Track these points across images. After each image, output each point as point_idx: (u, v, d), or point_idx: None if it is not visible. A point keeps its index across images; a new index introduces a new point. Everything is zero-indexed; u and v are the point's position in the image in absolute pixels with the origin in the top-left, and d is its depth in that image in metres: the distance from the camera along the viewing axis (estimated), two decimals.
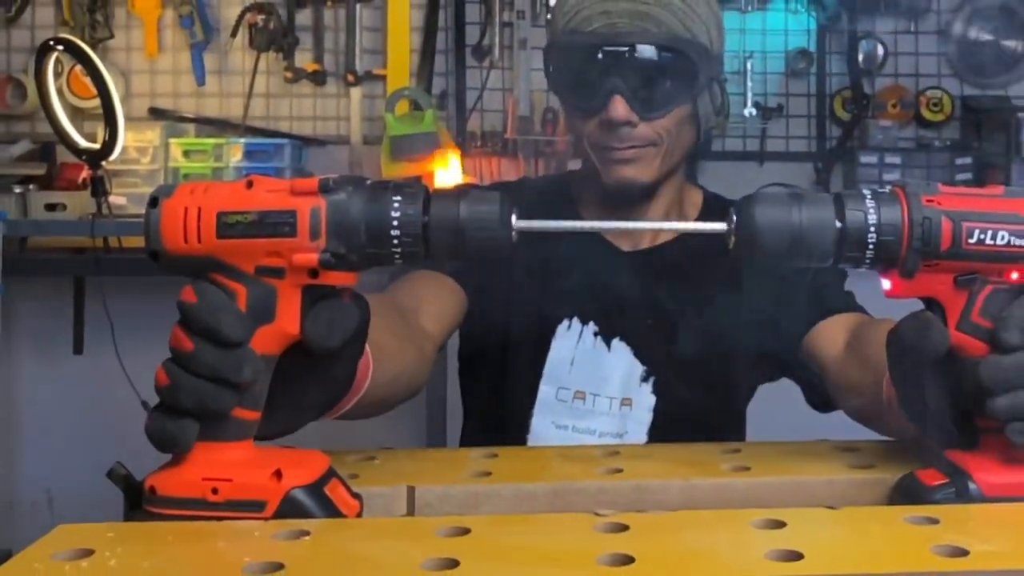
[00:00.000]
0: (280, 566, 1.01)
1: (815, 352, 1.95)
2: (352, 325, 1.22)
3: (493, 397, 2.12)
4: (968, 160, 4.66)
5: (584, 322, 2.06)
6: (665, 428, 2.02)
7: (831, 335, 1.92)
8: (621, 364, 2.05)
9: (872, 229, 1.20)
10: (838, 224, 1.21)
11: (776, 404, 2.23)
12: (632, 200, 2.03)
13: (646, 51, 1.90)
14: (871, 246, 1.21)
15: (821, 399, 2.04)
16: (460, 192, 1.19)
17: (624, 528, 1.11)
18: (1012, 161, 4.46)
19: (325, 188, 1.16)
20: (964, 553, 1.03)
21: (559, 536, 1.10)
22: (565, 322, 2.06)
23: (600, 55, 1.91)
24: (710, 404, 2.08)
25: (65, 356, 4.58)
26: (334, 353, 1.22)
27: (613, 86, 1.89)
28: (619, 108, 1.90)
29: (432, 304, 1.94)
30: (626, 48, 1.90)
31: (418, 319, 1.87)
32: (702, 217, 2.15)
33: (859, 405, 1.73)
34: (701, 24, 1.95)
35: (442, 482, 1.37)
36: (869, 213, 1.20)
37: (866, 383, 1.64)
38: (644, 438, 2.01)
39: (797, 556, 1.02)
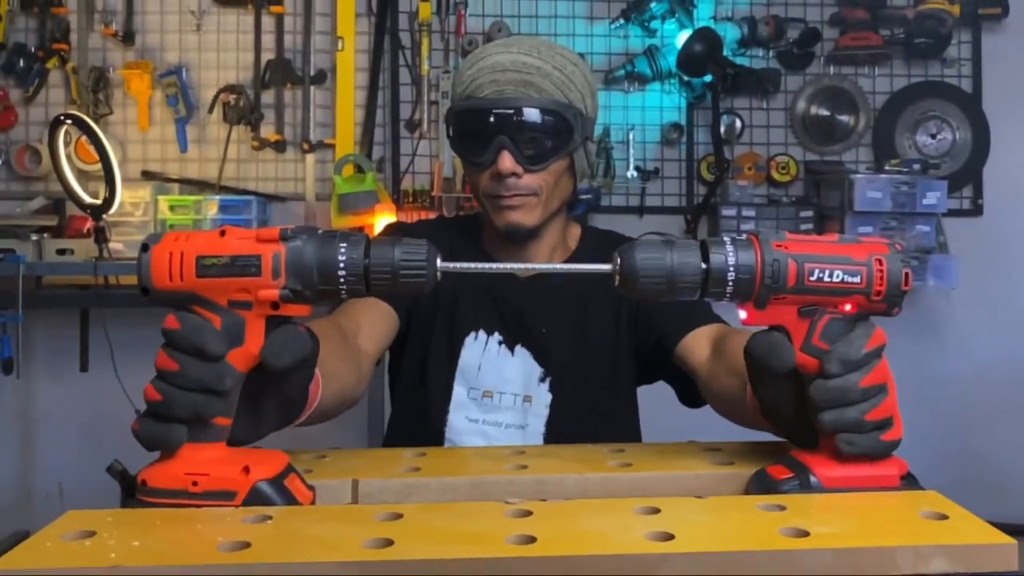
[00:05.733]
0: (247, 544, 1.01)
1: (685, 359, 1.95)
2: (304, 349, 1.21)
3: (416, 398, 2.10)
4: (810, 213, 4.73)
5: (489, 333, 2.06)
6: (560, 421, 2.03)
7: (697, 344, 1.93)
8: (522, 367, 2.05)
9: (731, 269, 1.21)
10: (703, 265, 1.21)
11: (657, 405, 2.24)
12: (521, 240, 2.04)
13: (529, 113, 1.91)
14: (730, 283, 1.22)
15: (691, 398, 2.06)
16: (395, 240, 1.20)
17: (529, 514, 1.11)
18: (845, 214, 4.54)
19: (284, 236, 1.17)
20: (806, 534, 1.04)
21: (476, 520, 1.10)
22: (472, 334, 2.06)
23: (491, 116, 1.91)
24: (598, 400, 2.07)
25: (73, 373, 4.55)
26: (285, 371, 1.21)
27: (502, 143, 1.90)
28: (506, 161, 1.91)
29: (369, 327, 1.92)
30: (512, 111, 1.90)
31: (357, 340, 1.84)
32: (581, 246, 2.17)
33: (726, 404, 1.74)
34: (577, 92, 1.97)
35: (381, 476, 1.36)
36: (729, 256, 1.21)
37: (732, 386, 1.65)
38: (542, 429, 2.02)
39: (670, 537, 1.03)
